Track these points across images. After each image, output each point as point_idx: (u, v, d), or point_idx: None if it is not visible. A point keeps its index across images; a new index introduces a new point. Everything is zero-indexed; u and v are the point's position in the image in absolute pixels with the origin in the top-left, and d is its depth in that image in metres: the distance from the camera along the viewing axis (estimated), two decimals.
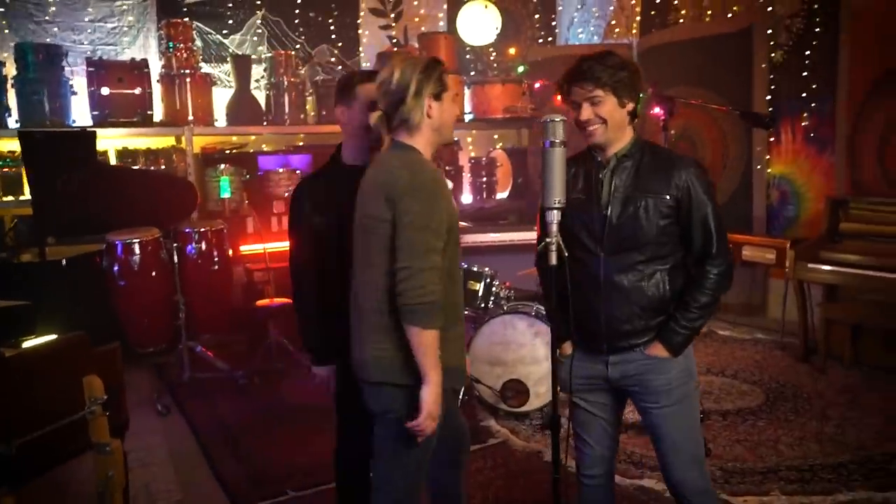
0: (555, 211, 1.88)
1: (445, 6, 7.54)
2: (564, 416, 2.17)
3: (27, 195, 5.01)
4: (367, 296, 2.05)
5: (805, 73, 5.51)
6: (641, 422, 2.39)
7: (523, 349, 4.03)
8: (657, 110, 3.55)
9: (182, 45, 5.92)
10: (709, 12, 6.32)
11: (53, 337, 2.66)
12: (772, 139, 5.80)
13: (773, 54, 5.71)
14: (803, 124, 5.56)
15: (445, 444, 2.23)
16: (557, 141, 1.90)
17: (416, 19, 7.46)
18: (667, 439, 2.20)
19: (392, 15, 7.36)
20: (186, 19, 6.09)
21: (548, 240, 1.92)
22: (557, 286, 2.07)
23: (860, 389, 4.28)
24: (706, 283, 2.14)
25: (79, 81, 5.69)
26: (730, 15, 6.09)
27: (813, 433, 3.69)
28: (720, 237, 2.13)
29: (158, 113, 5.92)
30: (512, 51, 7.56)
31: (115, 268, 4.60)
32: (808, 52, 5.49)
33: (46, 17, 5.95)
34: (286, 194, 5.89)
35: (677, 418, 2.19)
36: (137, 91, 5.67)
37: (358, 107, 2.41)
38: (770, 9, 5.73)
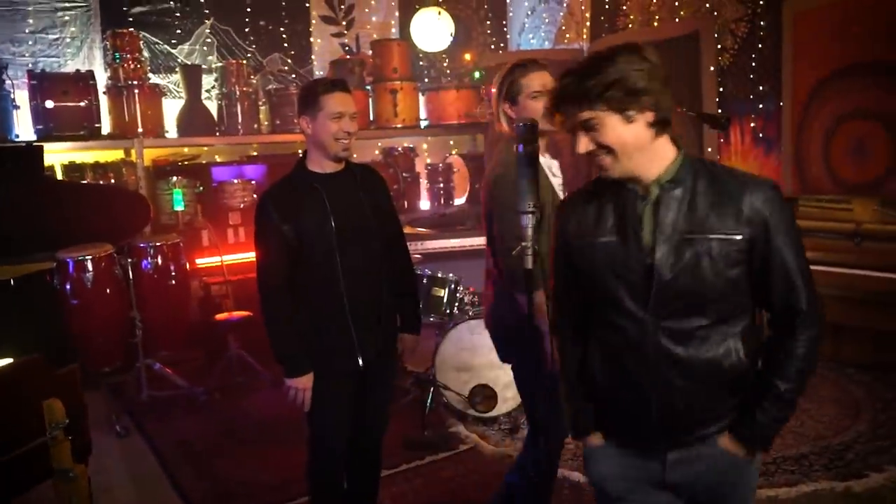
0: (529, 215, 1.88)
1: (397, 13, 7.54)
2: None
3: None
4: None
5: (752, 76, 5.68)
6: None
7: (491, 354, 3.99)
8: None
9: (129, 55, 5.78)
10: (657, 17, 6.46)
11: (8, 361, 2.55)
12: (722, 140, 5.95)
13: (720, 58, 5.86)
14: (751, 125, 5.73)
15: None
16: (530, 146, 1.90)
17: (368, 27, 7.44)
18: None
19: (344, 23, 7.32)
20: (132, 29, 5.94)
21: (524, 244, 1.90)
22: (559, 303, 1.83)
23: (814, 382, 4.41)
24: (796, 353, 1.62)
25: (20, 95, 5.50)
26: (677, 20, 6.23)
27: None
28: (808, 287, 1.62)
29: (106, 126, 5.76)
30: (468, 56, 7.60)
31: (67, 286, 4.46)
32: (753, 55, 5.66)
33: None
34: (241, 205, 5.80)
35: None
36: (83, 103, 5.50)
37: (322, 117, 2.39)
38: (715, 13, 5.89)
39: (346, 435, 2.54)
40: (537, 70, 2.49)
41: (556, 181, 2.59)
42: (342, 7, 7.28)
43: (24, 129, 5.51)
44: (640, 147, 1.58)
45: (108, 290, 4.54)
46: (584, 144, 1.61)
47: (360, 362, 2.48)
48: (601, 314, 1.71)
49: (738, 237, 1.58)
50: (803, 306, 1.62)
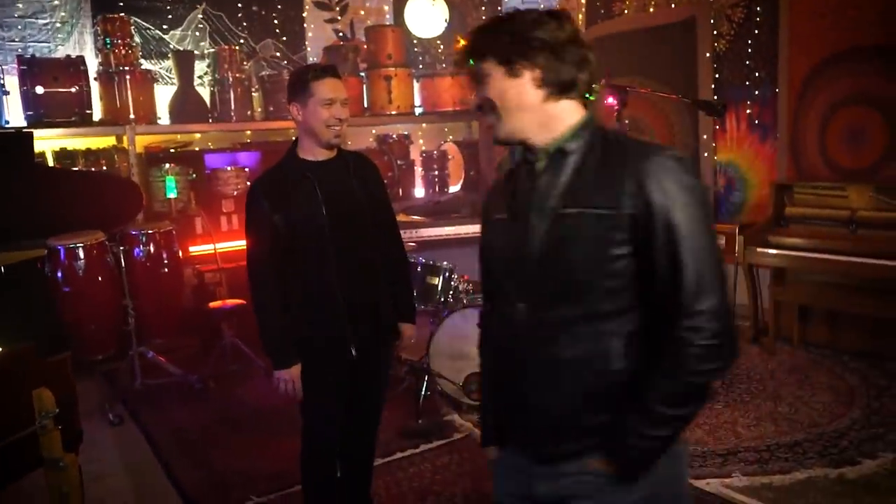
0: None
1: None
2: None
3: None
4: None
5: (748, 62, 5.64)
6: None
7: None
8: (610, 100, 3.58)
9: (120, 41, 5.71)
10: (653, 3, 6.41)
11: None
12: (717, 127, 5.92)
13: (716, 44, 5.82)
14: (747, 112, 5.70)
15: None
16: None
17: (362, 12, 7.38)
18: None
19: (337, 9, 7.26)
20: (123, 14, 5.87)
21: None
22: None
23: (809, 368, 4.42)
24: (680, 361, 1.32)
25: (10, 80, 5.44)
26: (673, 5, 6.19)
27: (768, 413, 3.79)
28: (709, 286, 1.31)
29: (98, 112, 5.71)
30: (463, 42, 7.54)
31: (59, 273, 4.42)
32: (749, 41, 5.62)
33: None
34: (235, 193, 5.77)
35: None
36: (74, 90, 5.44)
37: (312, 103, 2.35)
38: None
39: (339, 424, 2.53)
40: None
41: None
42: None
43: (14, 115, 5.46)
44: (523, 106, 1.40)
45: (100, 278, 4.51)
46: (473, 100, 1.49)
47: (353, 352, 2.46)
48: (497, 302, 1.51)
49: (617, 212, 1.32)
50: (697, 306, 1.30)
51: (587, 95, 1.46)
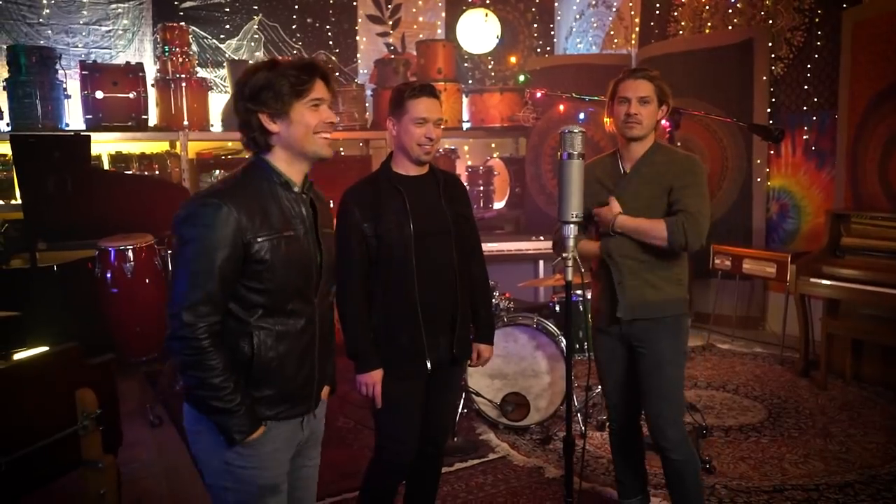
0: (571, 225, 1.82)
1: (444, 14, 7.52)
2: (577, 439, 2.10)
3: (19, 199, 4.92)
4: None
5: (806, 87, 5.50)
6: None
7: (524, 362, 3.97)
8: (663, 122, 3.50)
9: (178, 49, 5.86)
10: (709, 24, 6.31)
11: (45, 349, 2.58)
12: (771, 152, 5.78)
13: (773, 67, 5.70)
14: (804, 137, 5.55)
15: None
16: (576, 153, 1.85)
17: (415, 27, 7.43)
18: None
19: (390, 22, 7.32)
20: (183, 23, 6.03)
21: (564, 255, 1.86)
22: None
23: (862, 406, 4.24)
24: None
25: (72, 85, 5.61)
26: (730, 27, 6.08)
27: (817, 451, 3.64)
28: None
29: (153, 117, 5.84)
30: (513, 59, 7.54)
31: (108, 275, 4.51)
32: (808, 66, 5.48)
33: (40, 20, 5.86)
34: None
35: None
36: (132, 95, 5.59)
37: (406, 121, 2.39)
38: (770, 22, 5.73)
39: (415, 437, 2.52)
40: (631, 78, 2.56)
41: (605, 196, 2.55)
42: (389, 7, 7.28)
43: (74, 118, 5.62)
44: None
45: (147, 280, 4.58)
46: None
47: (429, 366, 2.46)
48: None
49: None
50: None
51: None
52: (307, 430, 1.98)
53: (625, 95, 2.52)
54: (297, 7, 6.79)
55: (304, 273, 1.85)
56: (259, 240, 1.73)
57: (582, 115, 6.22)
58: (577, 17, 7.74)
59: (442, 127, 2.45)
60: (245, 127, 1.81)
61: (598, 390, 4.13)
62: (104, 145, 5.68)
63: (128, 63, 5.75)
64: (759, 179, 5.80)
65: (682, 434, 2.61)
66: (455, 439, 3.77)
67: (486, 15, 7.15)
